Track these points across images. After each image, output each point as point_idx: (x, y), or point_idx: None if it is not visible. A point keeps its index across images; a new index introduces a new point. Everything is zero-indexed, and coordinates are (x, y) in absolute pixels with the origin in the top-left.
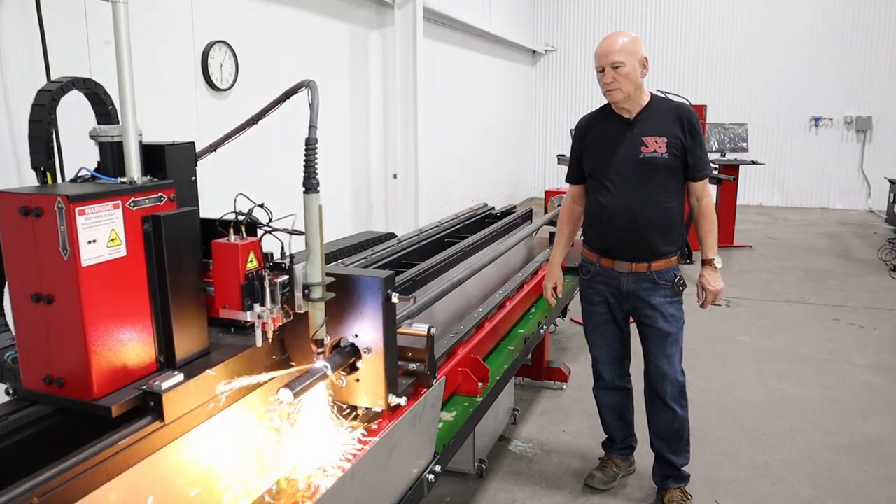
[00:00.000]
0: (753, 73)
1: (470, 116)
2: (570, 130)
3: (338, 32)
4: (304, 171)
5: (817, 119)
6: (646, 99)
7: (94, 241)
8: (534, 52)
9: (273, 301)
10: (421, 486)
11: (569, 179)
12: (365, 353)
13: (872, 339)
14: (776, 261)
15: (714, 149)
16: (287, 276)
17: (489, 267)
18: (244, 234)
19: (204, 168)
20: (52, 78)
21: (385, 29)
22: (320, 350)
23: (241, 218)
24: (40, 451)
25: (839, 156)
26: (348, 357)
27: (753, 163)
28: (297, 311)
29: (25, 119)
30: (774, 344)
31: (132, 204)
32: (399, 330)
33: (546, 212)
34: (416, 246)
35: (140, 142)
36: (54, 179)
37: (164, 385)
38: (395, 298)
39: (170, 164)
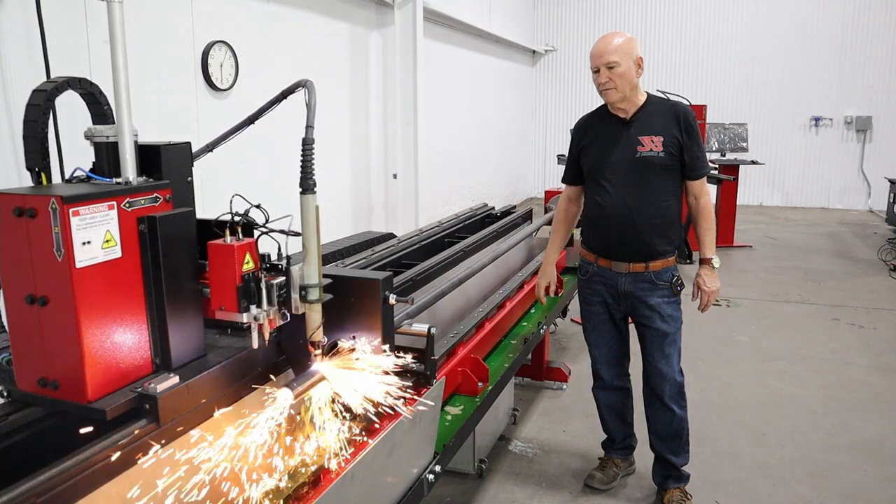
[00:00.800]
0: (753, 73)
1: (470, 116)
2: (570, 130)
3: (338, 32)
4: (301, 172)
5: (817, 119)
6: (642, 99)
7: (89, 242)
8: (534, 52)
9: (269, 302)
10: (421, 486)
11: (565, 180)
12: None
13: (872, 339)
14: (776, 261)
15: (714, 149)
16: (284, 278)
17: (489, 267)
18: (240, 235)
19: (201, 168)
20: (51, 77)
21: (385, 29)
22: (317, 352)
23: (237, 219)
24: (34, 454)
25: (839, 156)
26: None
27: (753, 163)
28: (293, 312)
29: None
30: (774, 344)
31: (127, 205)
32: (399, 330)
33: (546, 212)
34: (416, 246)
35: (135, 142)
36: (49, 180)
37: (160, 387)
38: (392, 300)
39: (166, 164)
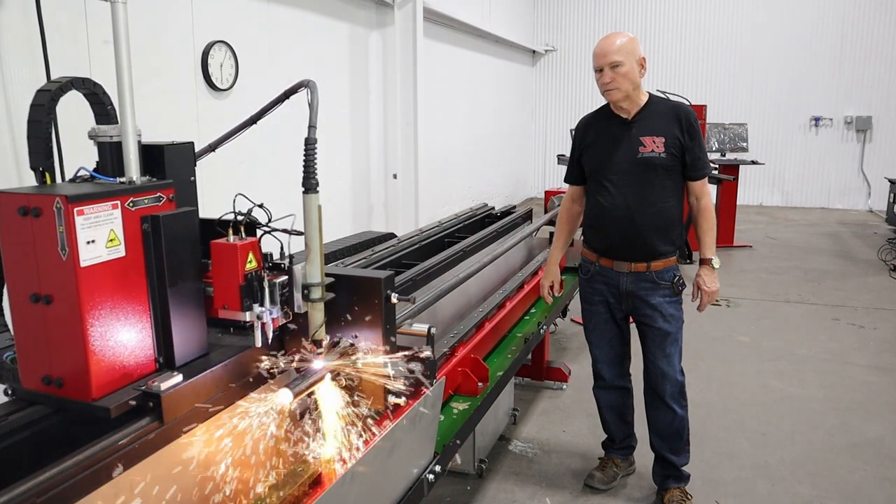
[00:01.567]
0: (753, 73)
1: (470, 116)
2: (571, 130)
3: (338, 32)
4: (304, 171)
5: (817, 119)
6: (644, 99)
7: (93, 241)
8: (534, 52)
9: (272, 301)
10: (421, 486)
11: (567, 179)
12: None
13: (872, 339)
14: (776, 261)
15: (714, 149)
16: (286, 277)
17: (489, 267)
18: (243, 234)
19: (203, 168)
20: (52, 78)
21: (385, 29)
22: (319, 350)
23: (240, 218)
24: (39, 452)
25: (839, 156)
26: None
27: (753, 163)
28: (296, 311)
29: (25, 119)
30: (774, 344)
31: (131, 204)
32: (399, 330)
33: (546, 212)
34: (416, 246)
35: (139, 142)
36: (53, 179)
37: (164, 385)
38: (394, 298)
39: (169, 164)
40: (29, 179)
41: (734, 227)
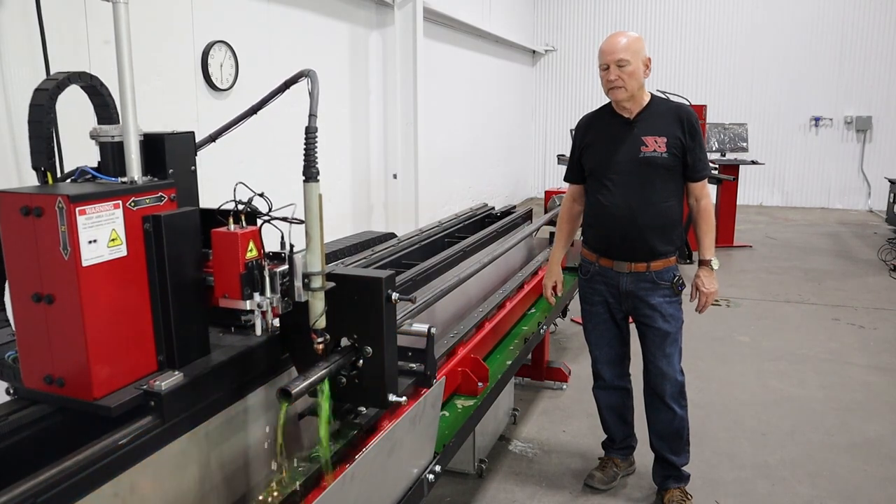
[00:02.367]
0: (753, 73)
1: (470, 116)
2: (571, 130)
3: (338, 32)
4: (304, 160)
5: (817, 119)
6: (646, 99)
7: (95, 240)
8: (534, 52)
9: (273, 290)
10: (421, 486)
11: (567, 179)
12: (365, 352)
13: (872, 339)
14: (776, 261)
15: (714, 149)
16: (287, 266)
17: (489, 267)
18: (244, 223)
19: (204, 158)
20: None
21: (385, 29)
22: (319, 340)
23: (240, 207)
24: (40, 451)
25: (839, 156)
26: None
27: (753, 163)
28: (296, 300)
29: (25, 118)
30: (774, 344)
31: (133, 204)
32: (399, 330)
33: (546, 212)
34: (416, 246)
35: (141, 141)
36: (55, 179)
37: (165, 385)
38: (395, 298)
39: (170, 154)
40: (29, 179)
41: (734, 227)
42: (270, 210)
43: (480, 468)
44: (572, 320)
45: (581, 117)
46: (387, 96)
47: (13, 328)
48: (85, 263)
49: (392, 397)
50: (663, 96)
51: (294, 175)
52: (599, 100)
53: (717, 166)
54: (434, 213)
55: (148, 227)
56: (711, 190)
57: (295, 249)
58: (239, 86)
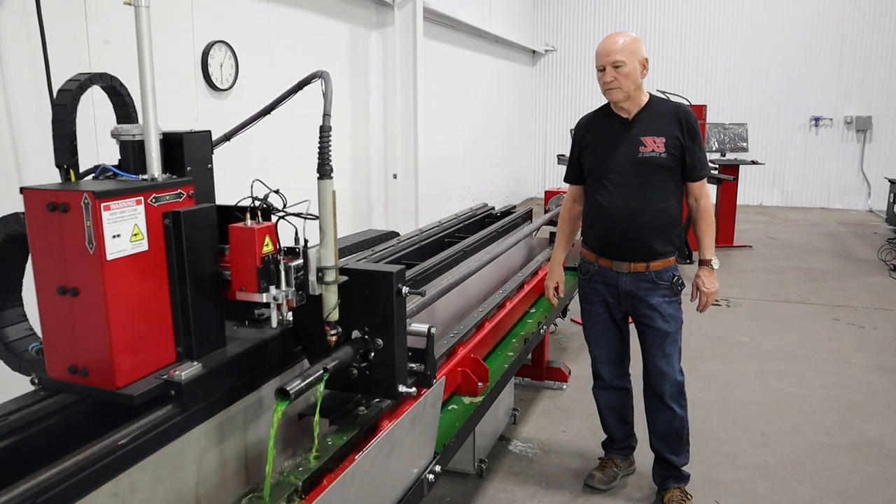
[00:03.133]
0: (753, 73)
1: (470, 116)
2: (570, 130)
3: (338, 32)
4: (319, 158)
5: (817, 119)
6: (645, 99)
7: (119, 235)
8: (534, 52)
9: (288, 283)
10: (421, 486)
11: (567, 179)
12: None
13: (872, 339)
14: (776, 261)
15: (714, 149)
16: (301, 260)
17: (489, 267)
18: (260, 218)
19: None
20: (53, 77)
21: (385, 29)
22: (333, 332)
23: (257, 203)
24: (65, 439)
25: (839, 156)
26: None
27: (753, 163)
28: (311, 293)
29: (25, 118)
30: (774, 344)
31: (154, 200)
32: None
33: (546, 211)
34: (417, 246)
35: (159, 139)
36: (77, 176)
37: (185, 374)
38: (405, 292)
39: (188, 152)
40: (30, 179)
41: (734, 227)
42: (285, 206)
43: (480, 468)
44: (572, 320)
45: (580, 117)
46: (387, 96)
47: (29, 322)
48: (109, 257)
49: (402, 388)
50: (663, 96)
51: (294, 174)
52: (599, 100)
53: (717, 166)
54: (434, 213)
55: (168, 223)
56: (711, 190)
57: (309, 244)
58: (239, 86)
